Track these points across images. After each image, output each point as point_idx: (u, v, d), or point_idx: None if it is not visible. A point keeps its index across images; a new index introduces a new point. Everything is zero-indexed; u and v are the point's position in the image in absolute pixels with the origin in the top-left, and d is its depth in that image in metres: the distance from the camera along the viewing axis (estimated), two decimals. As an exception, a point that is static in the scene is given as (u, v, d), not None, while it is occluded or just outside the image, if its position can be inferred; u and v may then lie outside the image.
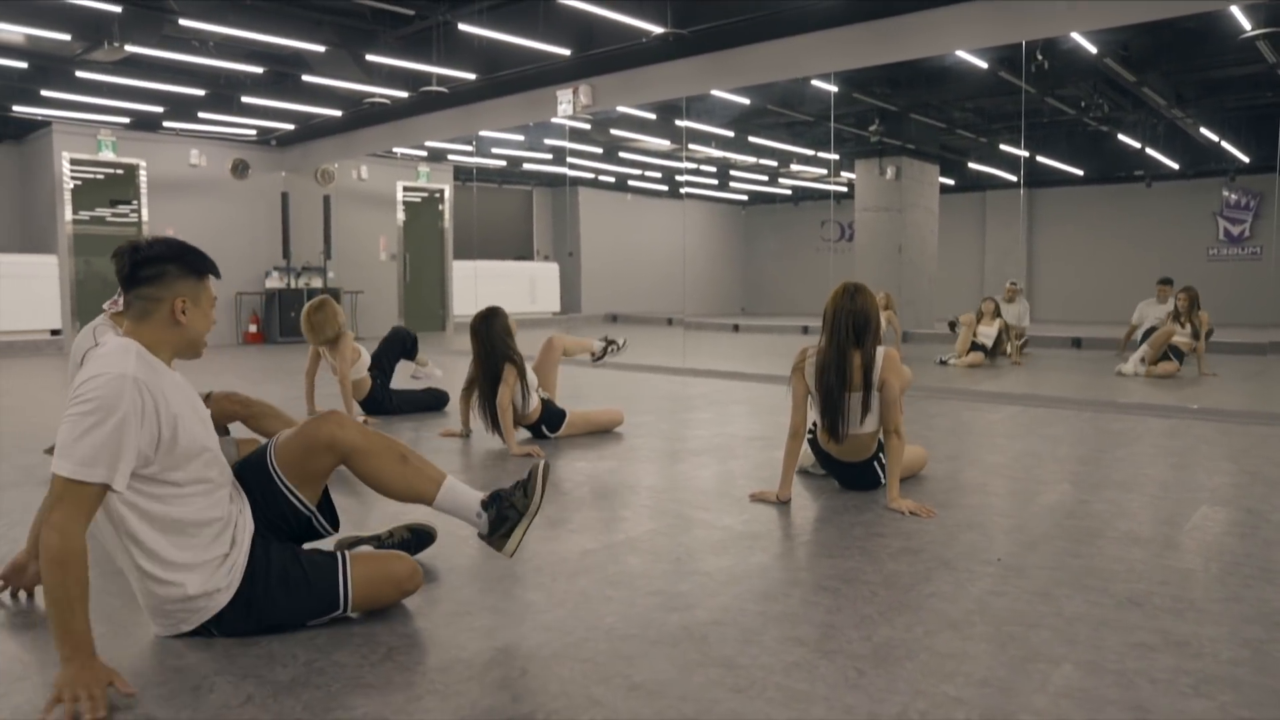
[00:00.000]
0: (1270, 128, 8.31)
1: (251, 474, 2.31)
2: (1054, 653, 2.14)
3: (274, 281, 12.15)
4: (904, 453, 3.54)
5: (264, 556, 2.18)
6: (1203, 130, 11.07)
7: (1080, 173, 14.64)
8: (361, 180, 13.23)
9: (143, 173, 11.36)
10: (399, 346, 6.18)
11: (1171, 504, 3.64)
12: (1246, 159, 13.11)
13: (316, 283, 12.42)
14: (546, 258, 17.42)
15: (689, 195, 18.96)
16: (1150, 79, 9.30)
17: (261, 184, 12.35)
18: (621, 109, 9.55)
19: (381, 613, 2.38)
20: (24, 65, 9.03)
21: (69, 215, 10.90)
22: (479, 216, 15.41)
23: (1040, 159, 13.48)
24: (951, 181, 15.48)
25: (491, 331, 4.67)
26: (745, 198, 19.77)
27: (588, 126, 11.57)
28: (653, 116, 10.78)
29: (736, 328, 15.21)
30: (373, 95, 9.70)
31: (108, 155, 11.07)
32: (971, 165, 14.11)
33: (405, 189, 13.92)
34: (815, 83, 8.94)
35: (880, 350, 3.55)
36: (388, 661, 2.10)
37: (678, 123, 11.16)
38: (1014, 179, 14.81)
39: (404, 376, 6.50)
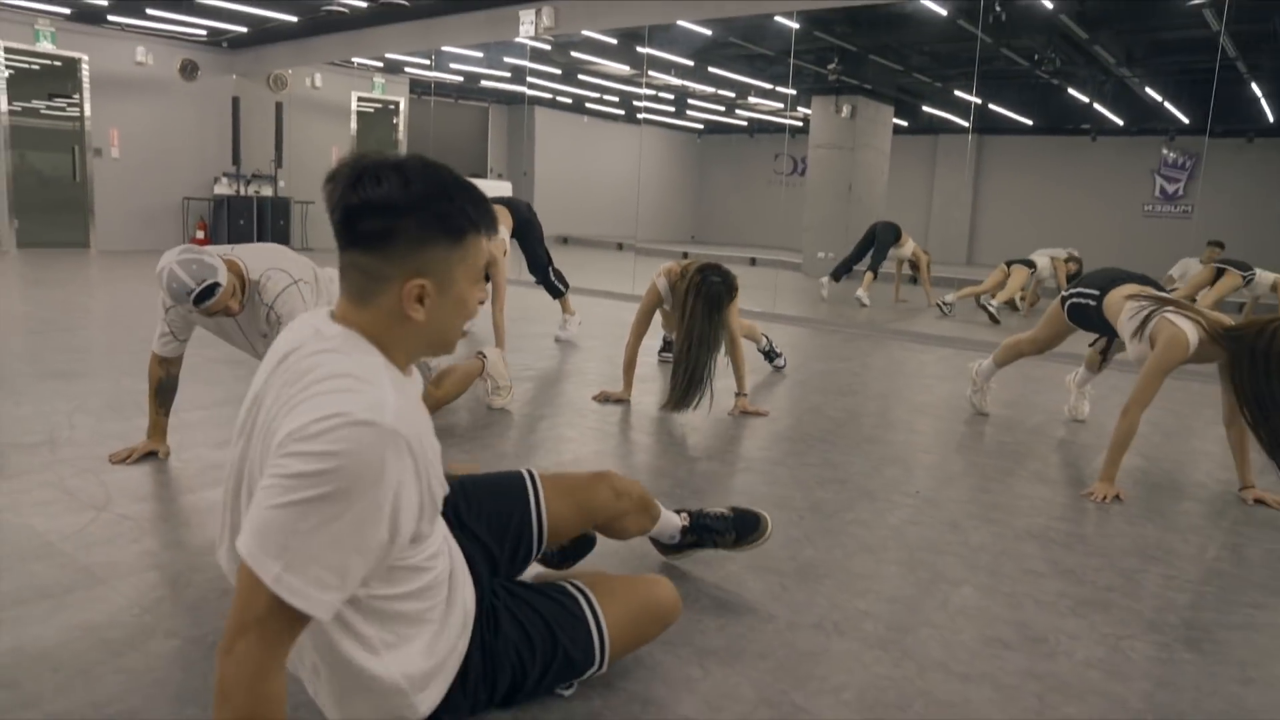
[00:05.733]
0: (1207, 92, 8.63)
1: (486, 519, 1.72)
2: (956, 576, 2.43)
3: (223, 188, 11.94)
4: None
5: (490, 610, 1.57)
6: (1148, 90, 11.37)
7: (1029, 122, 14.93)
8: (315, 89, 12.95)
9: (85, 67, 10.98)
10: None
11: (1078, 449, 3.97)
12: (1186, 120, 13.51)
13: (267, 191, 12.25)
14: (500, 176, 17.30)
15: (646, 121, 18.87)
16: (1102, 36, 9.52)
17: (211, 87, 12.03)
18: (585, 32, 9.50)
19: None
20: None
21: (4, 105, 10.54)
22: (434, 131, 15.20)
23: (992, 106, 13.72)
24: (905, 123, 15.66)
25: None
26: (701, 127, 19.74)
27: (548, 48, 11.46)
28: (614, 42, 10.72)
29: (685, 255, 15.36)
30: (332, 2, 9.50)
31: (46, 46, 10.68)
32: (925, 109, 14.28)
33: (360, 99, 13.66)
34: (778, 19, 8.99)
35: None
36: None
37: (639, 49, 11.11)
38: (965, 124, 15.05)
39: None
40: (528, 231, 5.86)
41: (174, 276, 2.58)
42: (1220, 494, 3.33)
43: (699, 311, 3.91)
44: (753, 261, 14.29)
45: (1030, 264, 8.88)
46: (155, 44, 11.46)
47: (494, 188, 16.82)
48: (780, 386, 4.95)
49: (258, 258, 2.84)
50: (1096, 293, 3.63)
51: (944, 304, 8.78)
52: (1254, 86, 11.04)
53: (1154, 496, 3.27)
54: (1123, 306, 3.42)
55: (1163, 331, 3.17)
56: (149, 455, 3.05)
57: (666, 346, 5.41)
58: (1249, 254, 10.68)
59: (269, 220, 12.31)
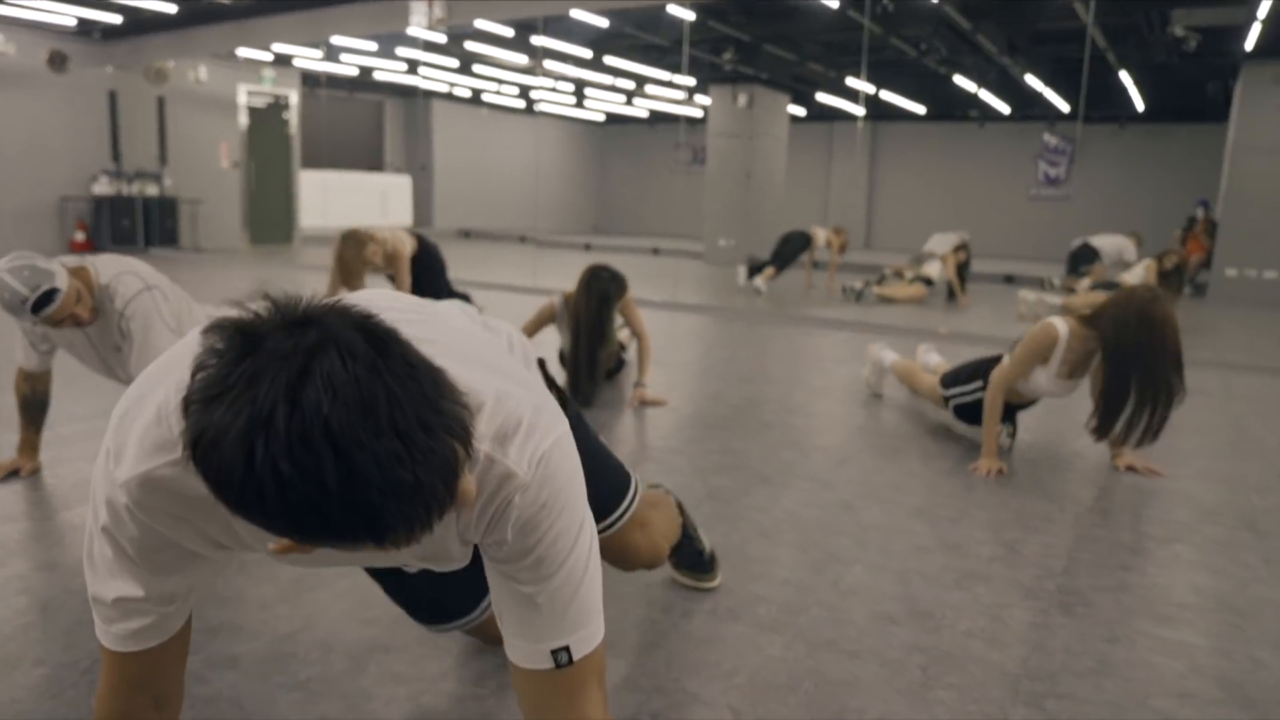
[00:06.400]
0: (1080, 81, 9.03)
1: None
2: (848, 555, 2.50)
3: (103, 187, 11.39)
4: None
5: None
6: (1028, 78, 11.83)
7: (920, 110, 15.40)
8: (200, 82, 12.44)
9: (-59, 59, 10.34)
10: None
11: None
12: (1066, 108, 14.12)
13: (151, 189, 11.73)
14: (399, 170, 16.98)
15: (544, 113, 18.76)
16: (985, 26, 9.86)
17: (84, 80, 11.45)
18: (479, 23, 9.38)
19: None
20: None
21: None
22: (328, 126, 14.82)
23: (884, 95, 14.08)
24: (802, 112, 15.96)
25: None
26: (602, 117, 19.74)
27: (444, 39, 11.27)
28: (510, 33, 10.62)
29: (588, 247, 15.36)
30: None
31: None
32: (820, 97, 14.58)
33: (249, 93, 13.21)
34: (671, 9, 9.04)
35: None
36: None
37: (534, 40, 11.04)
38: (859, 112, 15.42)
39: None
40: (430, 262, 5.61)
41: (4, 286, 2.33)
42: (1096, 464, 3.50)
43: (589, 306, 4.05)
44: (655, 251, 14.38)
45: (927, 280, 9.10)
46: (17, 32, 10.82)
47: (392, 183, 16.52)
48: (681, 374, 5.00)
49: (108, 263, 2.64)
50: (980, 383, 3.55)
51: (851, 289, 8.96)
52: (1122, 76, 11.61)
53: (1035, 469, 3.42)
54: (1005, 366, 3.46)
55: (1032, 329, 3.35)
56: (12, 474, 2.87)
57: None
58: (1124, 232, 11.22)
59: (155, 221, 11.81)
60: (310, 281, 8.94)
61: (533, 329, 4.38)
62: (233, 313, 0.81)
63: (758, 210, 12.99)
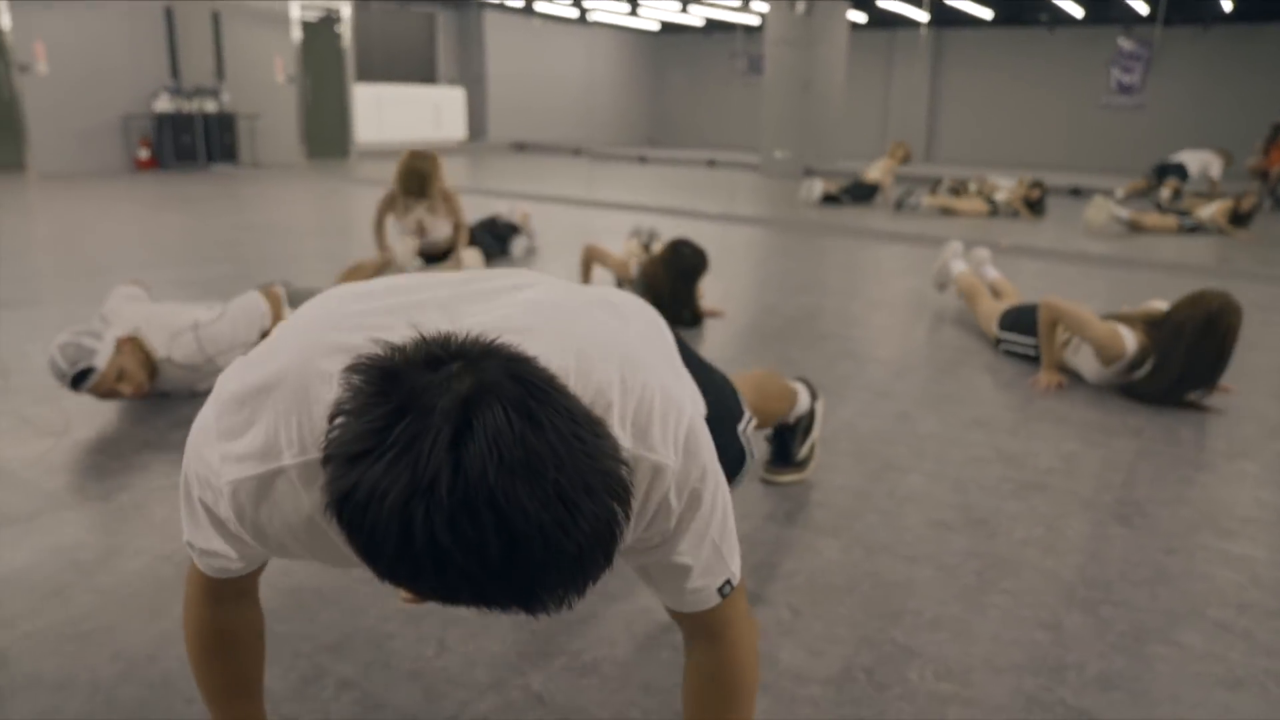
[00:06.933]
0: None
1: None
2: (905, 464, 2.53)
3: (164, 104, 11.51)
4: None
5: None
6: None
7: (987, 14, 14.73)
8: (252, -4, 12.41)
9: (3, -23, 10.43)
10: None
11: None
12: (1144, 9, 13.41)
13: (210, 105, 11.83)
14: (452, 83, 16.85)
15: (598, 23, 18.37)
16: (1059, -79, 9.37)
17: (141, -5, 11.50)
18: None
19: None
20: None
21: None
22: (381, 38, 14.72)
23: (948, -2, 13.50)
24: (862, 18, 15.41)
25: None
26: (656, 26, 19.26)
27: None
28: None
29: (643, 159, 15.20)
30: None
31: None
32: (881, 3, 14.03)
33: (302, 7, 13.13)
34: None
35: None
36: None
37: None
38: (922, 18, 14.82)
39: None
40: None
41: (52, 361, 2.57)
42: (1160, 378, 3.45)
43: (670, 282, 3.95)
44: (711, 163, 14.18)
45: (992, 203, 8.79)
46: (78, -48, 10.86)
47: (446, 96, 16.42)
48: (737, 286, 4.99)
49: (157, 329, 2.81)
50: (1036, 341, 3.46)
51: (905, 202, 8.76)
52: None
53: (1098, 385, 3.39)
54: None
55: None
56: (114, 395, 2.76)
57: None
58: (1203, 143, 10.76)
59: (215, 136, 11.95)
60: (364, 196, 9.04)
61: (586, 273, 4.39)
62: (370, 347, 0.78)
63: (816, 121, 12.67)
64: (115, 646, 1.60)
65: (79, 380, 2.57)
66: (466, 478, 0.67)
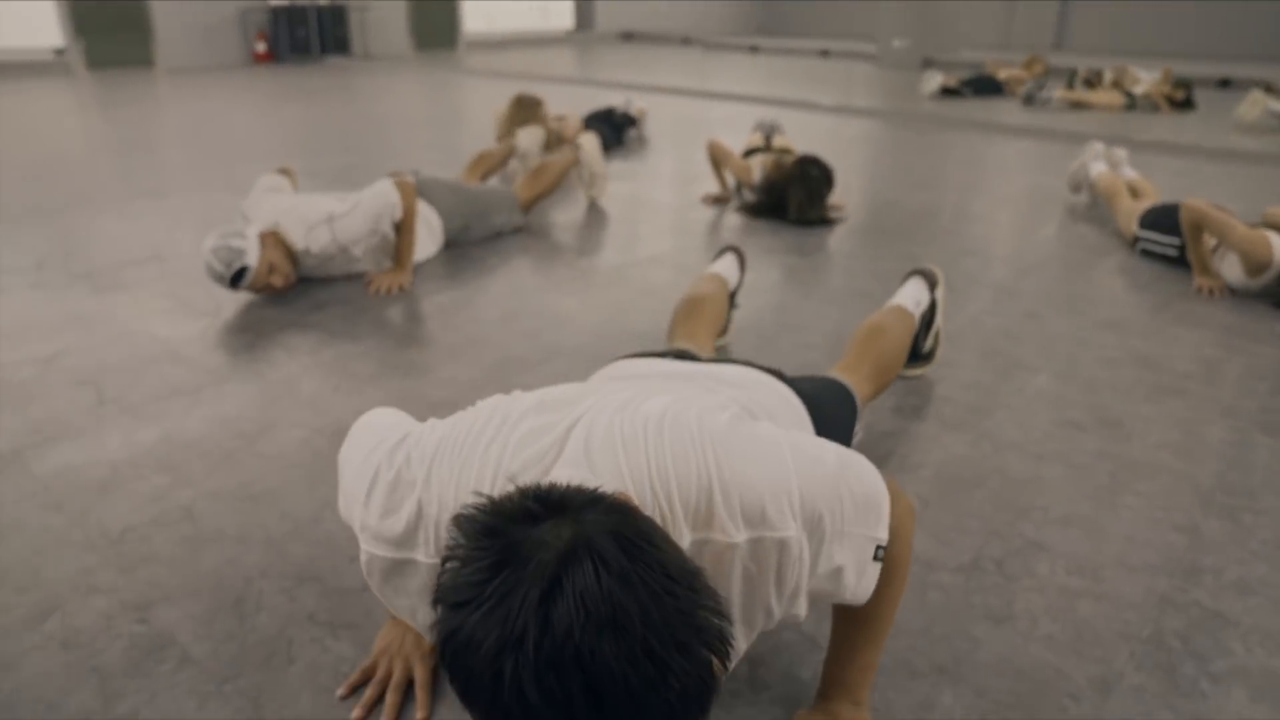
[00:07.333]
0: None
1: None
2: (1033, 363, 2.48)
3: (278, -6, 11.71)
4: None
5: None
6: None
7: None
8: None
9: None
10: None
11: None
12: None
13: (322, -3, 11.96)
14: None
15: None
16: None
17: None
18: None
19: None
20: None
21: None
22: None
23: None
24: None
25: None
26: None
27: None
28: None
29: (754, 49, 14.71)
30: None
31: None
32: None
33: (408, -109, 12.99)
34: None
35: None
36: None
37: None
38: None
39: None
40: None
41: (209, 266, 2.74)
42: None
43: (798, 200, 3.99)
44: (824, 53, 13.62)
45: (1130, 96, 8.17)
46: None
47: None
48: (855, 180, 4.86)
49: (293, 224, 2.93)
50: (1179, 240, 3.33)
51: (1036, 96, 8.28)
52: None
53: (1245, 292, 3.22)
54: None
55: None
56: (268, 289, 2.89)
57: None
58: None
59: (328, 29, 12.08)
60: (479, 89, 9.05)
61: (717, 172, 4.43)
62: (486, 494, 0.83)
63: (936, 7, 11.98)
64: (283, 507, 1.74)
65: (236, 279, 2.74)
66: (553, 634, 0.68)
